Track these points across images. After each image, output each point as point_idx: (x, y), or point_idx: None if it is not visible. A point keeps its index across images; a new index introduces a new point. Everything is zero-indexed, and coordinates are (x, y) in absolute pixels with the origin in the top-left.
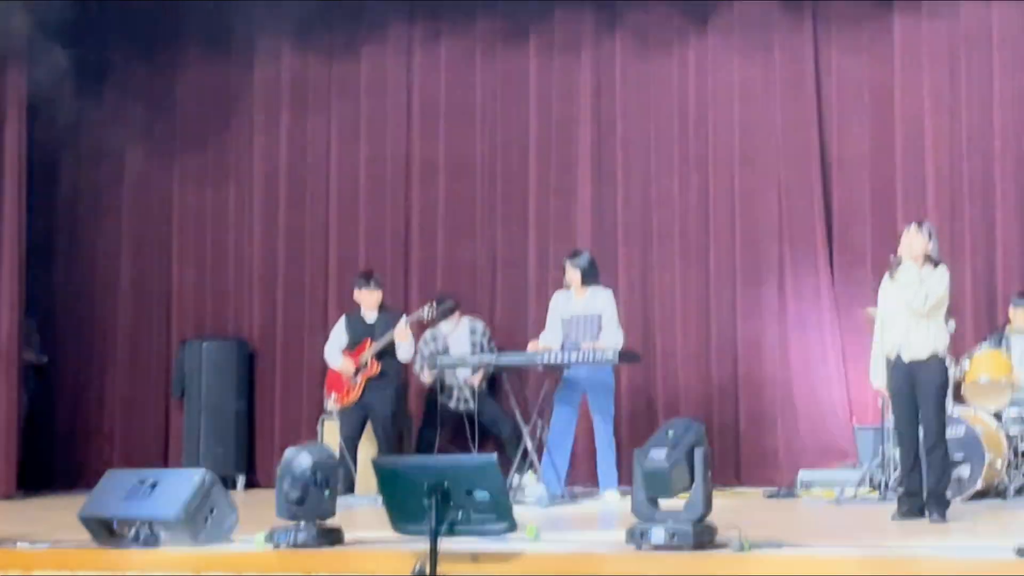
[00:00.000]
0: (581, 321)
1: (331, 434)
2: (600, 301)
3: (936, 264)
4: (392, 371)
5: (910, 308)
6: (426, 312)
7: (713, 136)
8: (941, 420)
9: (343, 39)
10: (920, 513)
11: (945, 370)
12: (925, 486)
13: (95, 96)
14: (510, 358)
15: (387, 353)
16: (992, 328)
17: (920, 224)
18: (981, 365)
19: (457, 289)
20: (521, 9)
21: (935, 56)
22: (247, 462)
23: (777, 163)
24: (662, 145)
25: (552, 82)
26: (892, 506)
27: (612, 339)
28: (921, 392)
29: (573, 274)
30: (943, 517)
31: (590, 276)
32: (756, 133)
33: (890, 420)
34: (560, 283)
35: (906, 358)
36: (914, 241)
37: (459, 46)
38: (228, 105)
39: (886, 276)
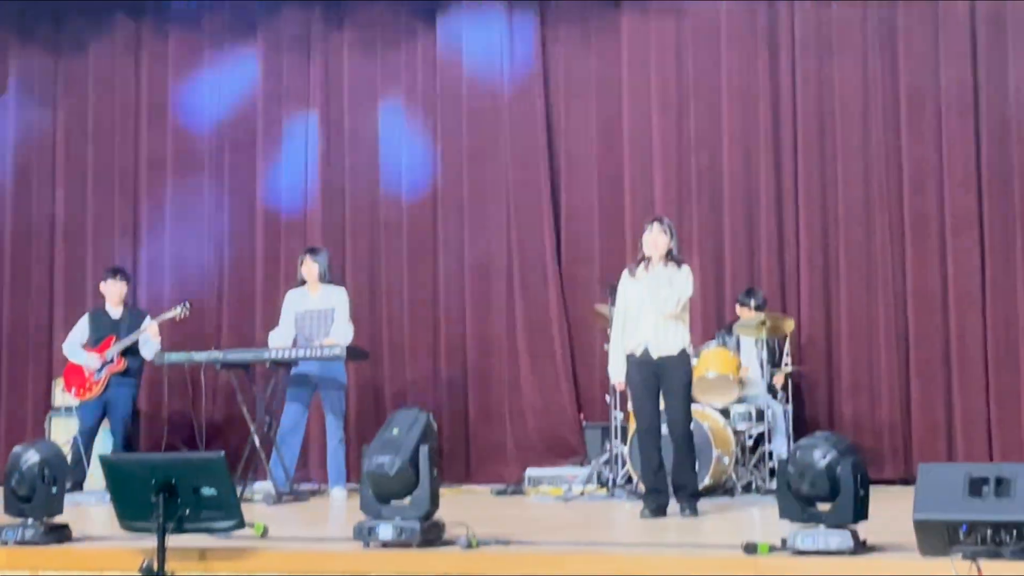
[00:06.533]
0: (315, 317)
1: (59, 431)
2: (334, 297)
3: (680, 263)
4: (135, 368)
5: (660, 310)
6: (179, 311)
7: (442, 133)
8: (689, 414)
9: (70, 35)
10: (664, 511)
11: (691, 365)
12: (672, 481)
13: None
14: (238, 354)
15: (131, 351)
16: (720, 325)
17: (661, 221)
18: (708, 362)
19: (186, 286)
20: (248, 7)
21: (663, 54)
22: None
23: (505, 161)
24: (390, 141)
25: (281, 79)
26: (620, 503)
27: (342, 334)
28: (669, 387)
29: (311, 268)
30: (695, 511)
31: (327, 273)
32: (484, 131)
33: (617, 417)
34: (292, 280)
35: (655, 354)
36: (658, 239)
37: (187, 43)
38: None
39: (625, 273)
